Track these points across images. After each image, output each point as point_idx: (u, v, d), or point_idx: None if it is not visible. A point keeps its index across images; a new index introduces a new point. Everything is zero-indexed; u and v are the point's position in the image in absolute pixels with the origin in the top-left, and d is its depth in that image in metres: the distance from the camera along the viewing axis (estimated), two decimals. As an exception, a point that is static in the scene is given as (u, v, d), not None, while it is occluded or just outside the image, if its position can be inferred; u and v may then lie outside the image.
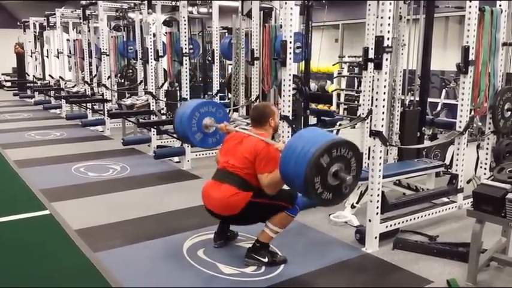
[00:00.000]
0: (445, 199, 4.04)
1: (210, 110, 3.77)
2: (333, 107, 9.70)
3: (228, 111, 5.05)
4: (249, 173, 2.99)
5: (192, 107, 3.73)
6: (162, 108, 6.82)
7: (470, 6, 3.68)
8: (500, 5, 3.93)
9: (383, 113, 3.23)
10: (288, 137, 4.07)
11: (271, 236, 3.09)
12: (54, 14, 9.95)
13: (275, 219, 3.03)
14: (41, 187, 4.81)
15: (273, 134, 3.36)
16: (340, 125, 6.83)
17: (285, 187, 3.02)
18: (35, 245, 3.51)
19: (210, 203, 3.11)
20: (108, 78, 8.26)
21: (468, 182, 4.32)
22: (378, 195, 3.30)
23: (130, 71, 9.15)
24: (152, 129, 6.34)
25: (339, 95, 9.83)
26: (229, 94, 7.58)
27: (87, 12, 8.92)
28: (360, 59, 8.08)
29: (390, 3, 3.10)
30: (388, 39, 3.12)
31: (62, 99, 9.94)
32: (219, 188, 3.03)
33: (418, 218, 3.69)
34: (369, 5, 4.26)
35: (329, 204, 2.81)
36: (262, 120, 3.20)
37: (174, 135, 6.08)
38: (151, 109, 6.63)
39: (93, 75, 9.13)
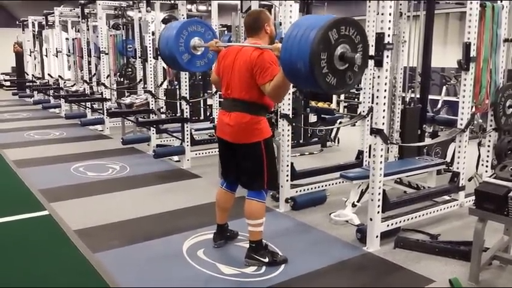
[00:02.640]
0: (447, 197, 4.01)
1: (199, 29, 3.60)
2: (333, 105, 9.68)
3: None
4: (250, 90, 2.91)
5: (180, 24, 3.57)
6: (162, 107, 6.79)
7: (471, 2, 3.65)
8: (501, 1, 3.90)
9: (384, 110, 3.20)
10: (288, 135, 4.04)
11: (258, 231, 3.06)
12: (53, 12, 9.92)
13: (250, 212, 3.03)
14: (40, 187, 4.79)
15: (270, 42, 3.10)
16: (340, 123, 6.80)
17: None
18: (34, 245, 3.49)
19: (223, 130, 3.06)
20: (107, 77, 8.24)
21: (469, 179, 4.29)
22: (379, 193, 3.27)
23: (130, 69, 9.10)
24: (152, 128, 6.31)
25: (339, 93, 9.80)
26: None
27: (86, 10, 8.90)
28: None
29: (391, 0, 3.07)
30: (388, 36, 3.09)
31: (61, 99, 9.92)
32: (230, 116, 2.98)
33: (419, 216, 3.67)
34: (369, 1, 4.23)
35: (331, 90, 2.58)
36: (257, 26, 3.01)
37: (174, 135, 6.06)
38: (150, 108, 6.61)
39: (92, 74, 9.11)
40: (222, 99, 3.20)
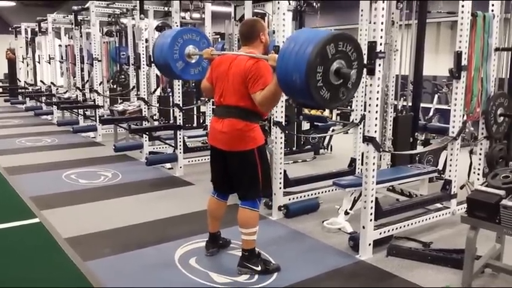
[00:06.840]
0: (439, 205, 4.02)
1: (194, 38, 3.60)
2: (326, 113, 9.69)
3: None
4: (244, 98, 2.90)
5: (175, 32, 3.57)
6: (155, 114, 6.78)
7: (462, 12, 3.69)
8: (492, 10, 3.94)
9: (376, 118, 3.21)
10: (281, 142, 4.05)
11: (251, 239, 3.05)
12: (46, 19, 9.89)
13: (243, 221, 3.02)
14: (31, 194, 4.74)
15: (264, 51, 3.11)
16: (333, 130, 6.82)
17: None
18: (24, 253, 3.44)
19: (216, 137, 3.05)
20: (100, 84, 8.21)
21: (461, 187, 4.30)
22: (372, 201, 3.27)
23: (123, 76, 9.08)
24: (144, 135, 6.29)
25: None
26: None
27: (79, 17, 8.88)
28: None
29: (383, 9, 3.09)
30: (380, 44, 3.11)
31: (54, 105, 9.87)
32: (223, 123, 2.97)
33: (411, 224, 3.67)
34: (362, 10, 4.26)
35: (324, 105, 2.62)
36: (252, 35, 3.01)
37: (167, 142, 6.04)
38: (143, 115, 6.59)
39: (85, 81, 9.07)
40: (214, 107, 3.20)
